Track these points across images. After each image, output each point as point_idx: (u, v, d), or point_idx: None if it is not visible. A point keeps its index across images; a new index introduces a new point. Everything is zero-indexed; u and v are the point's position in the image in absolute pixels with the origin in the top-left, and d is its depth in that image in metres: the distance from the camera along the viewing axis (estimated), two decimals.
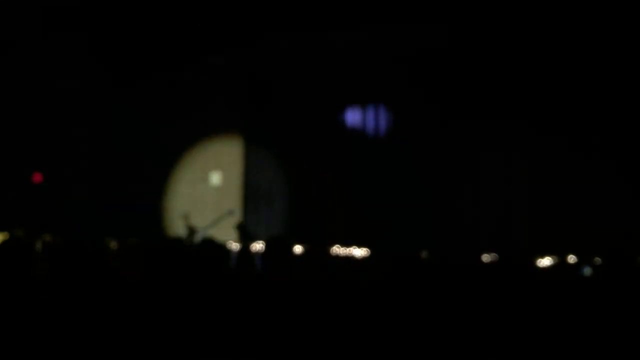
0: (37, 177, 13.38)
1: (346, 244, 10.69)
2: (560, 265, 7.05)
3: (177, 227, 13.33)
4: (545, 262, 7.62)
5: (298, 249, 7.23)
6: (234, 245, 9.08)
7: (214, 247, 5.85)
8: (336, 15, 11.75)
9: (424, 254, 5.97)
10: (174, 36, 12.93)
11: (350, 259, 6.93)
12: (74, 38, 12.92)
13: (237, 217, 13.13)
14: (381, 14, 11.80)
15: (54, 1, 12.08)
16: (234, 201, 14.07)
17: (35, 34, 12.60)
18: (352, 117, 13.75)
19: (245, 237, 11.72)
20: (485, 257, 7.06)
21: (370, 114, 13.56)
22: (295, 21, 12.14)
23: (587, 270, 5.03)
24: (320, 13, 11.78)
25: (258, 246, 8.98)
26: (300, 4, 11.80)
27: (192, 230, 12.30)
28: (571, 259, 8.29)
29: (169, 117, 14.03)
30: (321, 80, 13.42)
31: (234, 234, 12.27)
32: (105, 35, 12.97)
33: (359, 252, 9.15)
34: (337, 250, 9.79)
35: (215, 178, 14.24)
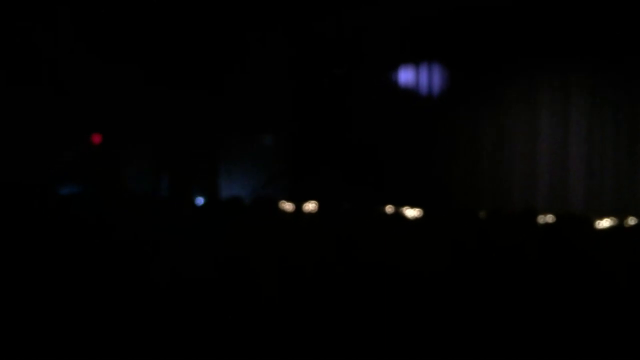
0: (97, 139, 13.41)
1: (398, 204, 10.59)
2: (620, 227, 6.87)
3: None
4: (604, 223, 7.46)
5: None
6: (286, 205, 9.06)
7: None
8: None
9: (482, 214, 5.86)
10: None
11: (403, 219, 6.84)
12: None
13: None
14: None
15: None
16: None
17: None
18: (405, 75, 13.58)
19: None
20: (542, 218, 6.91)
21: (424, 73, 13.38)
22: None
23: None
24: None
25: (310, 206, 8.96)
26: None
27: None
28: (632, 220, 8.11)
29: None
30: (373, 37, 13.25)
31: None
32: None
33: (412, 212, 9.05)
34: (389, 210, 9.70)
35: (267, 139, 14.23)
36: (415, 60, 13.36)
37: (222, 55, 13.70)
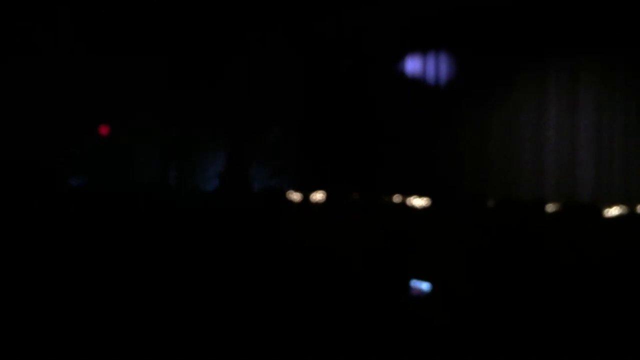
0: (104, 130, 13.38)
1: (406, 193, 10.55)
2: (629, 215, 6.81)
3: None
4: (613, 212, 7.39)
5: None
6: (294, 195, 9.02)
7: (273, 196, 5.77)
8: None
9: (490, 203, 5.81)
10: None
11: (411, 208, 6.79)
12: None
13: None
14: None
15: None
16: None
17: None
18: (412, 65, 13.52)
19: None
20: (550, 206, 6.86)
21: (431, 62, 13.32)
22: None
23: None
24: None
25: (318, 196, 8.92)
26: None
27: None
28: None
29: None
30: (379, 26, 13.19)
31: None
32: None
33: (420, 201, 9.01)
34: (397, 199, 9.67)
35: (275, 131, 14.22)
36: (420, 50, 13.31)
37: (222, 55, 13.70)
